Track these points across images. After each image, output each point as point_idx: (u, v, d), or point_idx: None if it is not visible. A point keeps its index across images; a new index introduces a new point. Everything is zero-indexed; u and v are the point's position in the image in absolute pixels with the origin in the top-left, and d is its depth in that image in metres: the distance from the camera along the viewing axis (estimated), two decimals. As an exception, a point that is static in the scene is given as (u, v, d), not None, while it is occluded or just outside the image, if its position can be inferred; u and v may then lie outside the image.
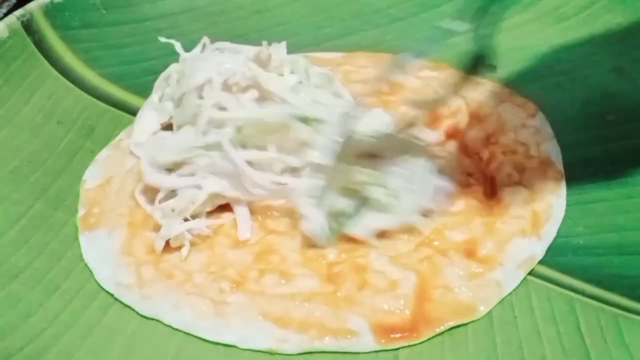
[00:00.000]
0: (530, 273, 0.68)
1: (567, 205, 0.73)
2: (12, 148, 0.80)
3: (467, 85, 0.84)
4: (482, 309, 0.66)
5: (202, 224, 0.71)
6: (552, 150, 0.77)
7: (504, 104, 0.82)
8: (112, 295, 0.68)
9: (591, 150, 0.77)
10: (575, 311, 0.65)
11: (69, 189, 0.77)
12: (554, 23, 0.92)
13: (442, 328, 0.64)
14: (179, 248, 0.70)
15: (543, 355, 0.62)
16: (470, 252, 0.69)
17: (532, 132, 0.79)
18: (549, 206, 0.72)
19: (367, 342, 0.64)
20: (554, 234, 0.71)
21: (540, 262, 0.69)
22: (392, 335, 0.64)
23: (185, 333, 0.66)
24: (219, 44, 0.78)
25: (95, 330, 0.66)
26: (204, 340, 0.65)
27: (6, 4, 0.98)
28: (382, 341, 0.64)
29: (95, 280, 0.70)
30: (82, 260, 0.71)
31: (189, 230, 0.70)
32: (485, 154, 0.76)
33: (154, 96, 0.81)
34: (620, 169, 0.75)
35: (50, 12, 0.93)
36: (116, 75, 0.90)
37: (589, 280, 0.67)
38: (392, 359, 0.63)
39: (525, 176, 0.75)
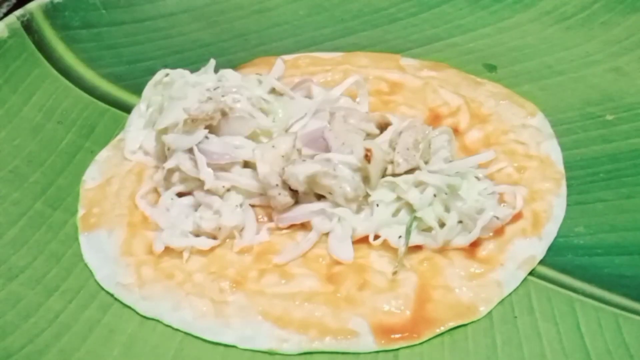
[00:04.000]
0: (531, 273, 0.68)
1: (567, 205, 0.73)
2: (12, 148, 0.80)
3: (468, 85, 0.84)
4: (483, 309, 0.66)
5: (202, 243, 0.71)
6: (552, 150, 0.78)
7: (504, 103, 0.82)
8: (112, 295, 0.68)
9: (591, 150, 0.77)
10: (575, 311, 0.65)
11: (69, 189, 0.77)
12: (554, 23, 0.92)
13: (443, 328, 0.64)
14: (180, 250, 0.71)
15: (543, 355, 0.62)
16: (470, 253, 0.69)
17: (532, 132, 0.79)
18: (549, 206, 0.72)
19: (367, 342, 0.64)
20: (554, 234, 0.71)
21: (541, 262, 0.69)
22: (392, 336, 0.64)
23: (185, 333, 0.66)
24: (222, 73, 0.79)
25: (95, 330, 0.66)
26: (204, 340, 0.65)
27: (6, 4, 0.98)
28: (382, 342, 0.64)
29: (96, 280, 0.70)
30: (82, 260, 0.71)
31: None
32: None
33: (142, 105, 0.81)
34: (620, 169, 0.75)
35: (50, 12, 0.93)
36: (116, 75, 0.90)
37: (589, 280, 0.67)
38: (392, 359, 0.63)
39: (525, 176, 0.75)
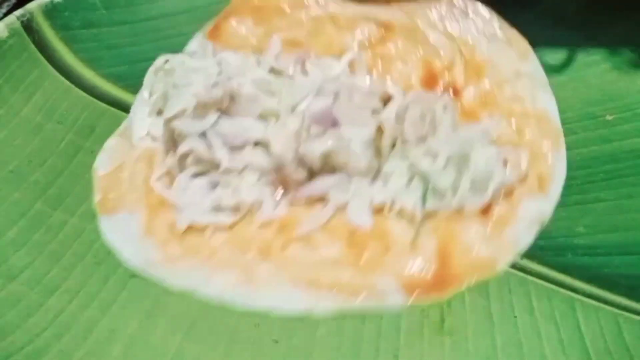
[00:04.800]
0: (531, 273, 0.68)
1: (567, 205, 0.73)
2: (12, 148, 0.80)
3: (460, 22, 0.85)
4: (501, 265, 0.67)
5: (225, 217, 0.72)
6: (547, 103, 0.79)
7: (497, 43, 0.83)
8: (137, 274, 0.69)
9: (591, 150, 0.78)
10: (575, 311, 0.65)
11: (69, 189, 0.77)
12: (554, 23, 0.92)
13: (465, 285, 0.66)
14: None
15: (543, 355, 0.62)
16: (484, 214, 0.71)
17: (526, 82, 0.80)
18: (552, 165, 0.74)
19: (397, 300, 0.66)
20: (559, 190, 0.73)
21: (541, 262, 0.69)
22: (420, 292, 0.66)
23: (185, 333, 0.66)
24: (221, 56, 0.80)
25: (95, 330, 0.66)
26: (206, 337, 0.65)
27: (6, 4, 0.98)
28: (411, 298, 0.65)
29: (95, 280, 0.70)
30: (82, 260, 0.71)
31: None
32: (483, 116, 0.78)
33: (144, 92, 0.82)
34: (620, 169, 0.75)
35: (50, 12, 0.92)
36: (116, 75, 0.89)
37: (589, 280, 0.67)
38: (392, 359, 0.63)
39: (525, 136, 0.76)
